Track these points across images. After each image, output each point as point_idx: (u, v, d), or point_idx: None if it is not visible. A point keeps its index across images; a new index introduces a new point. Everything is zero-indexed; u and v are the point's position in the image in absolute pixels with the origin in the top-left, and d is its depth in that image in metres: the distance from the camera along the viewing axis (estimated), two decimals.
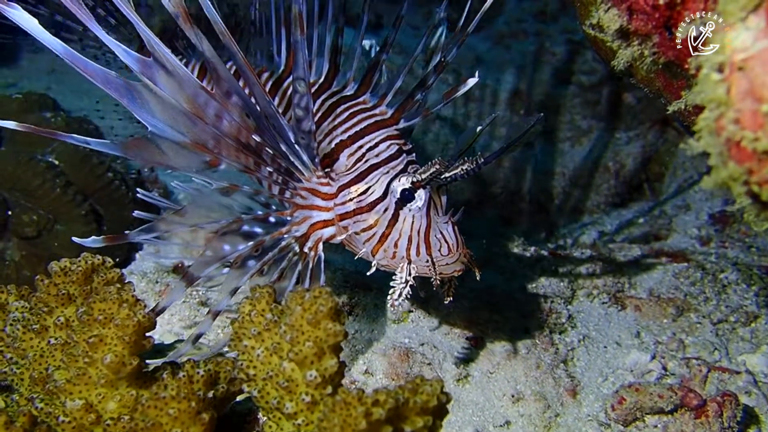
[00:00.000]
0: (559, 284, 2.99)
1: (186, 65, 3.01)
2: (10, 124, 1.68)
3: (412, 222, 2.09)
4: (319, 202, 2.24)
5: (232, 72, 2.58)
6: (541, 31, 5.61)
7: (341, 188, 2.20)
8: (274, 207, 2.30)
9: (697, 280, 3.05)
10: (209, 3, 1.66)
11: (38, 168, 2.82)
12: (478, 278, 2.15)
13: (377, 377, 2.35)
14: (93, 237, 1.94)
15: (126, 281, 1.70)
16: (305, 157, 2.16)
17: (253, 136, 2.03)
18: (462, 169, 1.95)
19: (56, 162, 2.94)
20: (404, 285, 2.06)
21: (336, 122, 2.32)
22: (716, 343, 2.75)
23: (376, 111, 2.34)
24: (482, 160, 1.94)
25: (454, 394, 2.36)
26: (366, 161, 2.22)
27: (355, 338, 2.49)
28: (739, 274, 3.06)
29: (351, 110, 2.34)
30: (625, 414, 2.34)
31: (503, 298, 2.84)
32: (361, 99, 2.38)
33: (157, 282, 2.75)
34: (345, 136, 2.28)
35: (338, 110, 2.35)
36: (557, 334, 2.74)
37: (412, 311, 2.67)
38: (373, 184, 2.17)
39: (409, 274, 2.06)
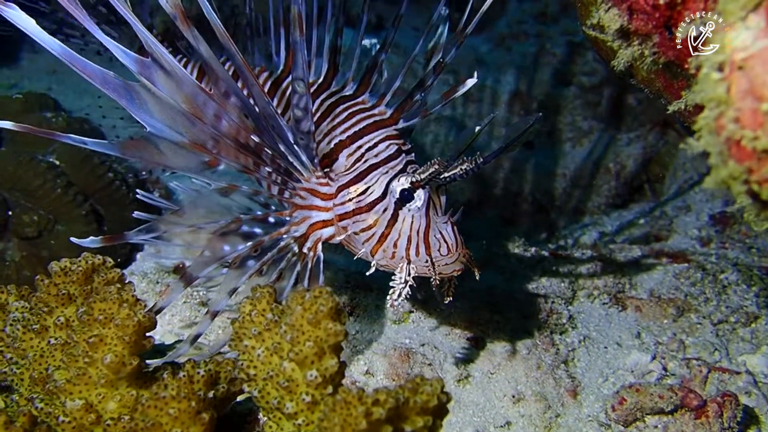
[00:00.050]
0: (560, 285, 2.99)
1: (187, 65, 3.02)
2: (7, 125, 1.67)
3: (412, 222, 2.09)
4: (318, 202, 2.24)
5: (231, 72, 2.59)
6: (542, 33, 5.62)
7: (340, 188, 2.20)
8: (273, 207, 2.30)
9: (698, 281, 3.05)
10: (207, 3, 1.66)
11: (39, 168, 2.82)
12: (477, 278, 2.15)
13: (378, 378, 2.35)
14: (91, 237, 1.94)
15: (126, 281, 1.70)
16: (304, 158, 2.16)
17: (252, 137, 2.02)
18: (461, 169, 1.95)
19: (57, 162, 2.94)
20: (404, 285, 2.06)
21: (335, 122, 2.32)
22: (716, 344, 2.75)
23: (375, 111, 2.34)
24: (481, 160, 1.94)
25: (455, 394, 2.36)
26: (365, 161, 2.21)
27: (356, 339, 2.49)
28: (740, 275, 3.06)
29: (350, 110, 2.34)
30: (626, 414, 2.34)
31: (504, 298, 2.84)
32: (360, 99, 2.38)
33: (157, 282, 2.75)
34: (344, 136, 2.28)
35: (337, 110, 2.35)
36: (558, 334, 2.73)
37: (412, 312, 2.67)
38: (373, 184, 2.16)
39: (409, 274, 2.06)
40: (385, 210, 2.12)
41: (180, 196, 3.43)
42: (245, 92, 1.94)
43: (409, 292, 2.06)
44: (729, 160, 1.18)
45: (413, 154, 2.29)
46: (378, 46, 2.41)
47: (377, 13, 5.39)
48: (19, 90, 4.54)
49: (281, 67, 2.68)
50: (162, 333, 2.48)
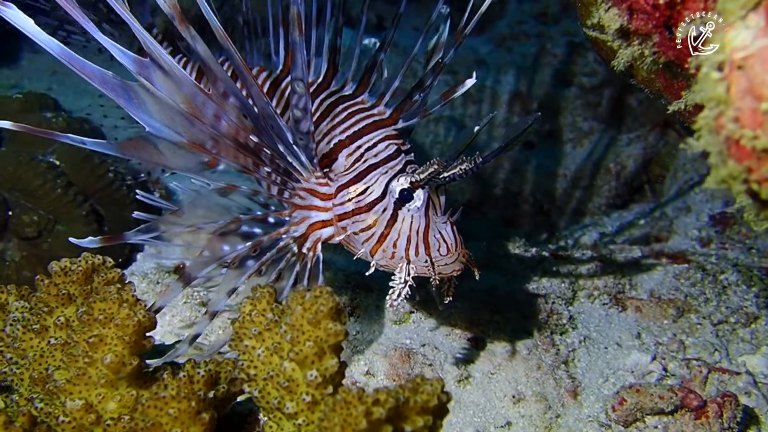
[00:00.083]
0: (560, 285, 2.99)
1: (187, 65, 3.01)
2: (7, 124, 1.67)
3: (411, 222, 2.09)
4: (317, 202, 2.24)
5: (230, 72, 2.59)
6: (542, 33, 5.61)
7: (340, 188, 2.20)
8: (272, 207, 2.30)
9: (698, 282, 3.05)
10: (205, 3, 1.66)
11: (39, 168, 2.82)
12: (477, 278, 2.15)
13: (378, 378, 2.35)
14: (90, 237, 1.93)
15: (126, 281, 1.70)
16: (303, 158, 2.16)
17: (251, 137, 2.02)
18: (460, 169, 1.95)
19: (57, 162, 2.94)
20: (403, 285, 2.05)
21: (334, 122, 2.32)
22: (716, 344, 2.75)
23: (375, 111, 2.34)
24: (480, 159, 1.94)
25: (456, 395, 2.36)
26: (365, 161, 2.21)
27: (357, 339, 2.48)
28: (740, 276, 3.06)
29: (349, 110, 2.34)
30: (626, 415, 2.34)
31: (504, 298, 2.84)
32: (359, 99, 2.38)
33: (158, 283, 2.75)
34: (343, 136, 2.27)
35: (337, 110, 2.35)
36: (558, 335, 2.73)
37: (413, 312, 2.67)
38: (372, 185, 2.16)
39: (408, 275, 2.06)
40: (384, 210, 2.12)
41: (180, 197, 3.43)
42: (244, 92, 1.94)
43: (409, 293, 2.06)
44: (728, 159, 1.18)
45: (412, 154, 2.29)
46: (378, 45, 2.41)
47: (377, 13, 5.39)
48: (19, 90, 4.53)
49: (280, 67, 2.68)
50: (162, 333, 2.48)
